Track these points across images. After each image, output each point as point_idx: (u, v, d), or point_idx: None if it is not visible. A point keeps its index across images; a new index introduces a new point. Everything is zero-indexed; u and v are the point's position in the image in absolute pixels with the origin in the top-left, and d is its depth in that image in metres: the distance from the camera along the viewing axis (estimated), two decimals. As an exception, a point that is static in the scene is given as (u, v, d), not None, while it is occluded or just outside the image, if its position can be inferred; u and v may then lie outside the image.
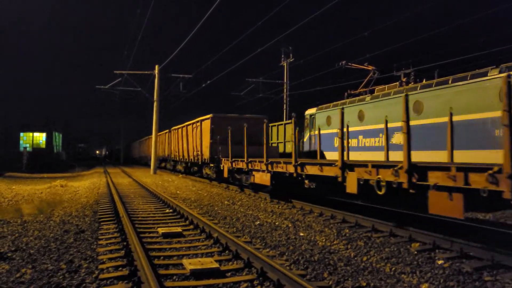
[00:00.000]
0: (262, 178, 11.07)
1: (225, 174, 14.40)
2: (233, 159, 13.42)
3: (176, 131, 24.64)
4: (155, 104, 27.35)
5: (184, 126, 22.12)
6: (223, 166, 14.74)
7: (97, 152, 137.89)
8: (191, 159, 20.26)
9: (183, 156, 22.56)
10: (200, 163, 18.31)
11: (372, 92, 15.64)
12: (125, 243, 5.91)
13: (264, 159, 10.68)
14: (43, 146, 48.21)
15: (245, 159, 12.14)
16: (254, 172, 11.72)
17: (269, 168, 10.55)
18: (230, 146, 13.57)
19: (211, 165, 16.29)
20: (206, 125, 17.42)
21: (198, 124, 18.68)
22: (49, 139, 48.65)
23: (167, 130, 28.65)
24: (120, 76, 27.53)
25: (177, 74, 27.85)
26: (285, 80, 26.98)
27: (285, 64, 26.84)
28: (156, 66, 27.40)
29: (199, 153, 18.18)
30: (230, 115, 17.59)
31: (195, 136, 19.21)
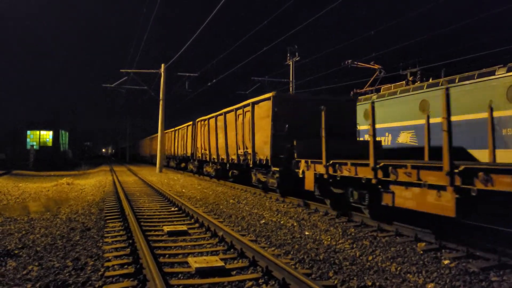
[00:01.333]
0: (425, 200, 5.75)
1: (308, 186, 9.32)
2: (333, 162, 8.24)
3: (206, 122, 18.76)
4: (161, 102, 27.47)
5: (220, 114, 16.27)
6: (302, 172, 9.61)
7: (103, 150, 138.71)
8: (232, 159, 14.87)
9: (216, 155, 16.92)
10: (251, 164, 12.99)
11: (378, 91, 15.58)
12: (130, 241, 5.95)
13: (446, 163, 5.26)
14: (50, 144, 48.58)
15: (372, 162, 6.83)
16: (393, 187, 6.50)
17: (457, 183, 5.16)
18: (325, 140, 8.44)
19: (274, 169, 11.22)
20: (264, 109, 11.90)
21: (248, 108, 13.06)
22: (55, 137, 49.01)
23: (190, 123, 23.03)
24: (126, 75, 27.76)
25: (183, 72, 28.01)
26: (290, 79, 26.93)
27: (290, 62, 26.78)
28: (162, 65, 27.53)
29: (248, 150, 12.98)
30: (298, 96, 13.14)
31: (241, 126, 13.77)
